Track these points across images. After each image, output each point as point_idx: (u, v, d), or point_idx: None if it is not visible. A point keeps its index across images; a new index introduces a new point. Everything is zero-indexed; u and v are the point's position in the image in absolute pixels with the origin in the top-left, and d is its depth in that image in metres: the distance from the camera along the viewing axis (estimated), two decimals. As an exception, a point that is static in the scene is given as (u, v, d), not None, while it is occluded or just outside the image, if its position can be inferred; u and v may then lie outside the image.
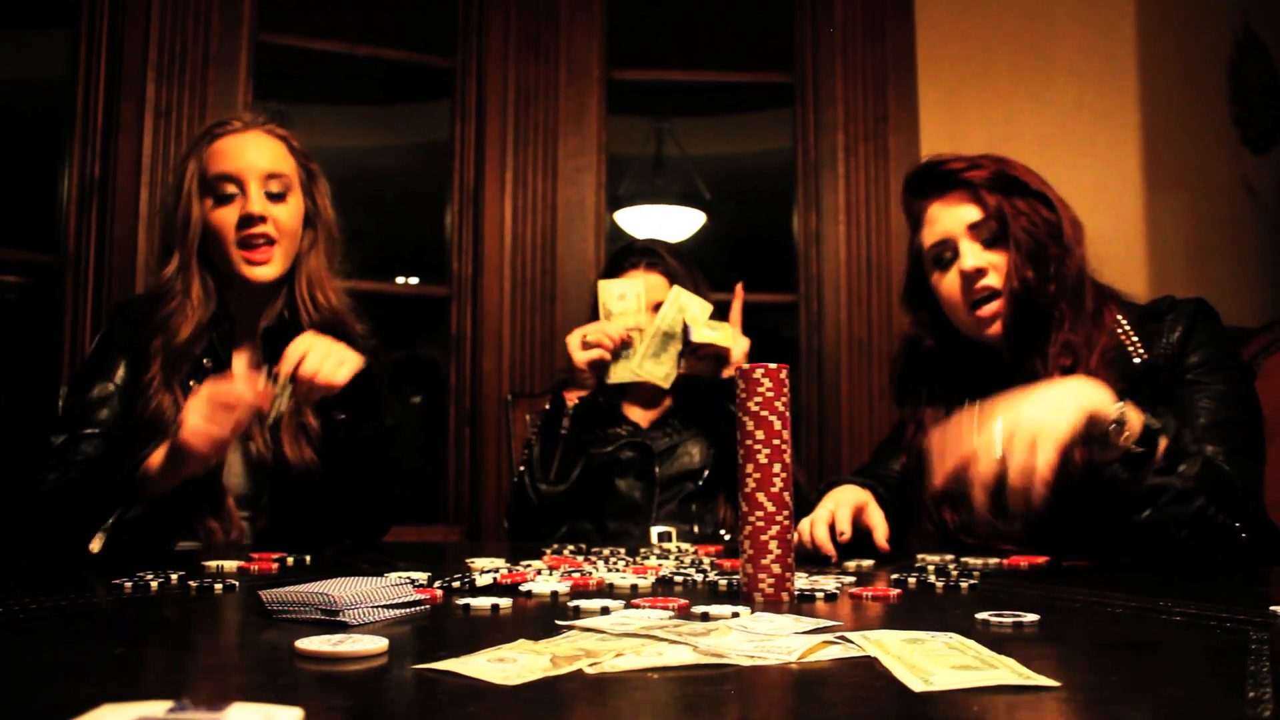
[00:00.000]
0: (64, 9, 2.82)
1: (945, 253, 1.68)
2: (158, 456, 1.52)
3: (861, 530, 1.61)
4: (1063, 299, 1.60)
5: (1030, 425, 1.25)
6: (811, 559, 1.51)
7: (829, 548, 1.51)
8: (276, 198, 1.75)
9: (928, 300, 1.75)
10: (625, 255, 2.35)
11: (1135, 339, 1.62)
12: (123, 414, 1.69)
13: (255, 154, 1.75)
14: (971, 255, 1.64)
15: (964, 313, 1.67)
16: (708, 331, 2.05)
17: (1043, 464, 1.22)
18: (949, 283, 1.68)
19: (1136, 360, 1.60)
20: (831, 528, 1.55)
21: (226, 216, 1.73)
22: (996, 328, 1.64)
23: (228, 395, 1.45)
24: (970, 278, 1.63)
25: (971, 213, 1.64)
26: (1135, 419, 1.31)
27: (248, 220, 1.72)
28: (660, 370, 2.08)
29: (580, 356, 2.06)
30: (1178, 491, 1.31)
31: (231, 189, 1.73)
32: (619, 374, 2.08)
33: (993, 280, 1.63)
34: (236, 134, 1.77)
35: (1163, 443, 1.31)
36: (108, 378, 1.71)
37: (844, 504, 1.60)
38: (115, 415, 1.68)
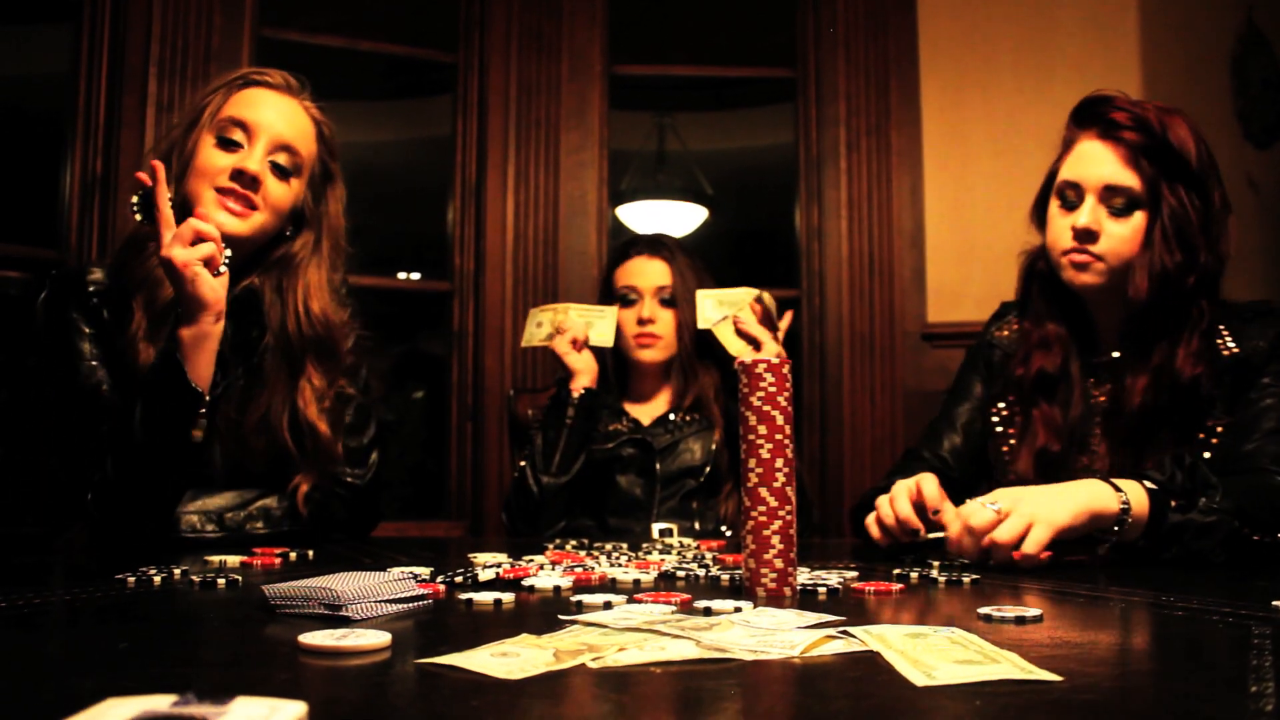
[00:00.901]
0: (66, 5, 2.81)
1: (1070, 193, 1.62)
2: (186, 335, 1.45)
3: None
4: (1203, 294, 1.56)
5: (1031, 508, 1.28)
6: (886, 543, 1.50)
7: (916, 521, 1.44)
8: (279, 171, 1.64)
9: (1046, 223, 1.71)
10: (631, 243, 2.40)
11: (1225, 333, 1.60)
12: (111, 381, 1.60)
13: (278, 116, 1.64)
14: (1090, 216, 1.59)
15: (1059, 256, 1.64)
16: (728, 334, 2.09)
17: (1032, 544, 1.26)
18: (1060, 225, 1.63)
19: (1225, 354, 1.58)
20: (919, 506, 1.47)
21: (219, 159, 1.60)
22: (1085, 279, 1.61)
23: (200, 226, 1.43)
24: (1080, 235, 1.60)
25: (1118, 174, 1.57)
26: (1140, 500, 1.32)
27: (240, 175, 1.59)
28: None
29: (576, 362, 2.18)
30: (1199, 526, 1.32)
31: (238, 136, 1.61)
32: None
33: (1101, 247, 1.59)
34: (272, 90, 1.66)
35: (1173, 505, 1.32)
36: (83, 356, 1.60)
37: (927, 478, 1.49)
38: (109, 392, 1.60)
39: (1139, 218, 1.58)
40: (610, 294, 2.38)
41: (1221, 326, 1.60)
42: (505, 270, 3.12)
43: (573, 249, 3.17)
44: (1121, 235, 1.58)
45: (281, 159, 1.64)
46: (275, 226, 1.67)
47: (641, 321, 2.32)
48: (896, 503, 1.47)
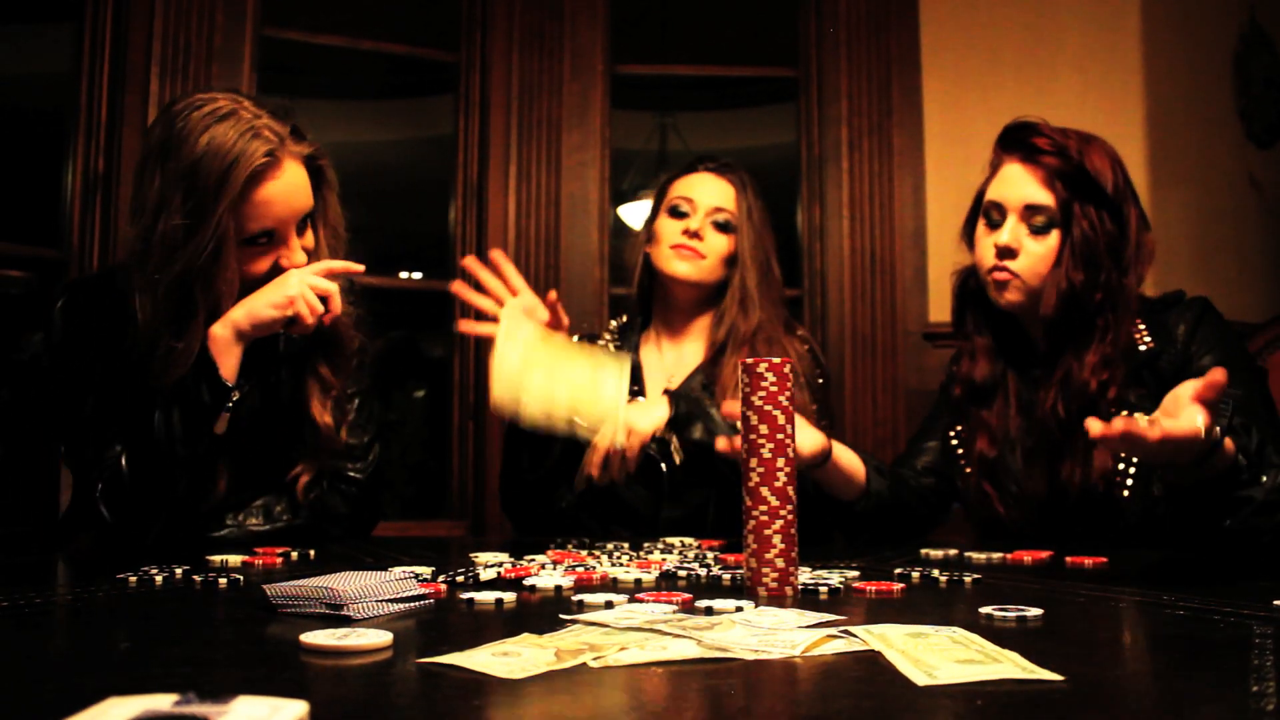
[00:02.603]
0: (68, 4, 2.82)
1: (994, 213, 1.72)
2: (221, 334, 1.55)
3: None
4: (1109, 310, 1.64)
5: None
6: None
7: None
8: (300, 230, 1.65)
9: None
10: (699, 158, 2.12)
11: (1142, 327, 1.68)
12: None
13: (290, 198, 1.60)
14: (1010, 234, 1.67)
15: (984, 274, 1.73)
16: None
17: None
18: (984, 244, 1.72)
19: (1142, 348, 1.65)
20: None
21: (259, 265, 1.61)
22: (1007, 297, 1.69)
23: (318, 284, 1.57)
24: (1000, 252, 1.68)
25: (1036, 194, 1.66)
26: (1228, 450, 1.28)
27: (278, 268, 1.62)
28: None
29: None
30: (1259, 504, 1.31)
31: (265, 240, 1.60)
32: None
33: (1019, 265, 1.67)
34: (274, 175, 1.56)
35: (1228, 444, 1.26)
36: (87, 356, 1.63)
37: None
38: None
39: (1055, 237, 1.66)
40: (659, 208, 2.09)
41: (1139, 321, 1.68)
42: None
43: (574, 248, 3.17)
44: (1038, 253, 1.67)
45: (304, 225, 1.66)
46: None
47: (688, 234, 2.01)
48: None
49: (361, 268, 1.65)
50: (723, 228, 2.02)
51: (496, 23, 3.19)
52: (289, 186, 1.59)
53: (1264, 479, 1.32)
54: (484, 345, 3.11)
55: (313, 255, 1.70)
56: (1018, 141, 1.70)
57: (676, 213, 2.04)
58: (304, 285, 1.57)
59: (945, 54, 3.25)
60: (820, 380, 2.06)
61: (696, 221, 2.01)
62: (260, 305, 1.56)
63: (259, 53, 2.96)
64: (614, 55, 3.27)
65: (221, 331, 1.55)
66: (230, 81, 2.89)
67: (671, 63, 3.69)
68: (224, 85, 2.84)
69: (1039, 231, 1.66)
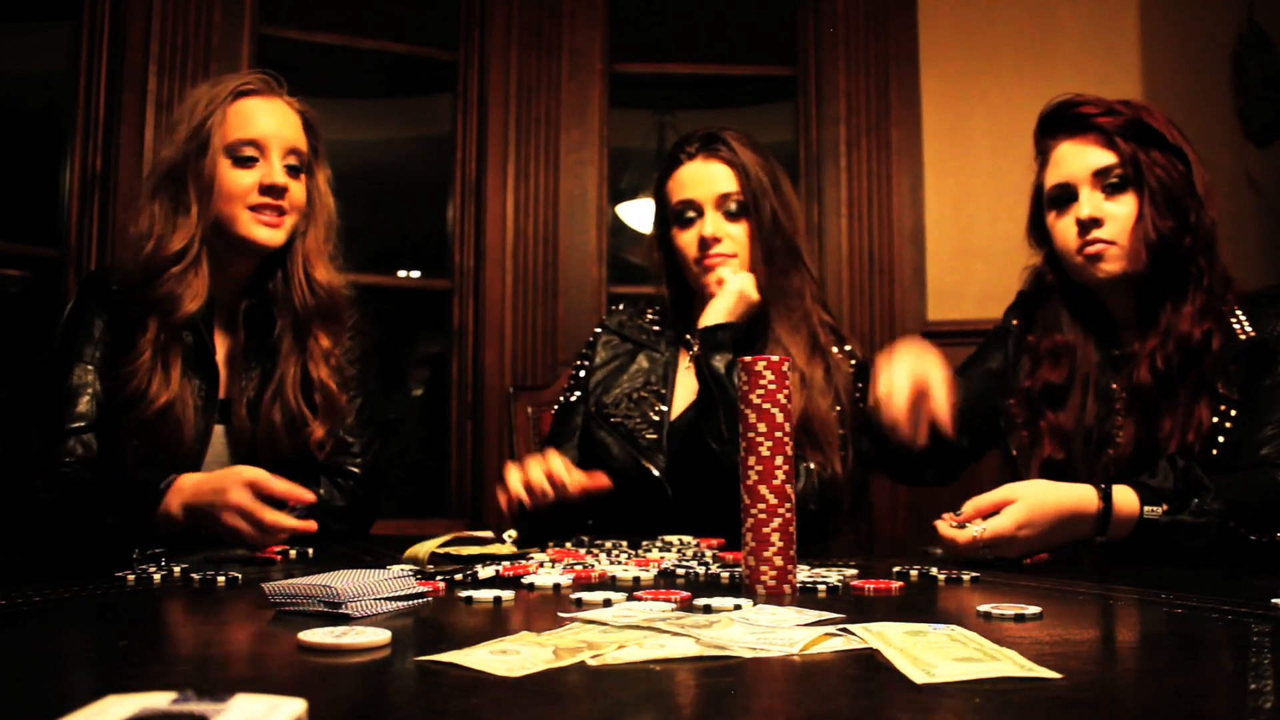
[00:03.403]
0: (66, 3, 2.81)
1: (1063, 196, 1.64)
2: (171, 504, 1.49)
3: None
4: (1200, 253, 1.58)
5: (1010, 541, 1.31)
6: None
7: (903, 419, 1.48)
8: (292, 172, 1.73)
9: (1049, 236, 1.71)
10: (681, 144, 1.91)
11: (1241, 315, 1.61)
12: (105, 396, 1.66)
13: (280, 124, 1.72)
14: (1089, 204, 1.60)
15: (1074, 256, 1.64)
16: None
17: (1017, 551, 1.31)
18: (1064, 226, 1.64)
19: (1241, 337, 1.58)
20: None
21: (243, 178, 1.68)
22: (1104, 268, 1.61)
23: (271, 524, 1.38)
24: (1085, 225, 1.61)
25: (1100, 157, 1.61)
26: (1129, 502, 1.34)
27: (270, 189, 1.68)
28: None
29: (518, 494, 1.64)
30: (1189, 527, 1.33)
31: (251, 152, 1.69)
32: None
33: (1109, 231, 1.60)
34: (262, 97, 1.73)
35: (1163, 509, 1.34)
36: (83, 359, 1.68)
37: (900, 374, 1.51)
38: (97, 401, 1.66)
39: (1132, 194, 1.60)
40: (665, 216, 1.92)
41: (1238, 309, 1.61)
42: (505, 268, 3.12)
43: (573, 247, 3.17)
44: (1125, 213, 1.60)
45: (292, 160, 1.73)
46: (301, 223, 1.77)
47: (705, 242, 1.84)
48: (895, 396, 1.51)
49: (311, 497, 1.47)
50: (737, 214, 1.85)
51: (495, 21, 3.19)
52: (276, 110, 1.74)
53: (1193, 503, 1.34)
54: (482, 345, 3.12)
55: (304, 231, 1.76)
56: (1062, 120, 1.65)
57: (684, 220, 1.87)
58: (236, 514, 1.41)
59: (944, 53, 3.25)
60: (857, 395, 1.90)
61: (710, 225, 1.83)
62: (203, 507, 1.45)
63: (257, 51, 2.96)
64: (613, 54, 3.27)
65: (173, 501, 1.48)
66: (228, 80, 2.89)
67: (670, 61, 3.69)
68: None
69: (1115, 191, 1.60)
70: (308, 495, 1.45)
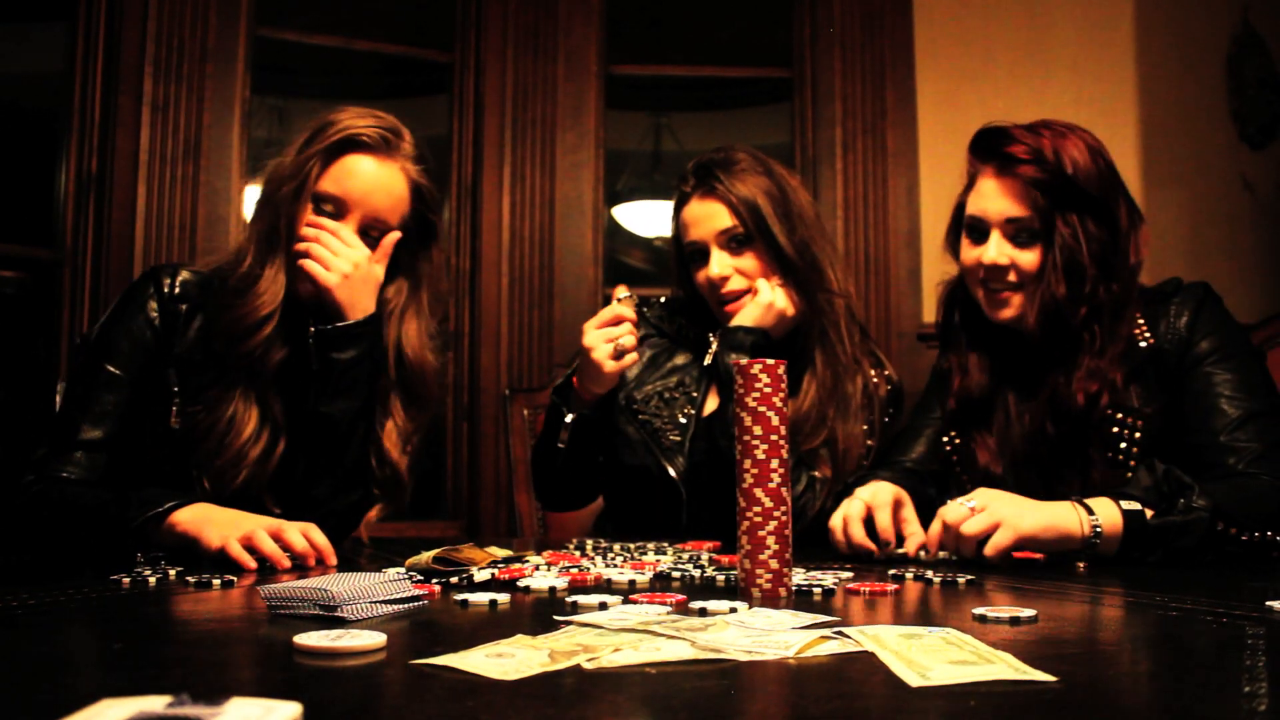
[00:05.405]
0: (61, 3, 2.81)
1: (977, 228, 1.64)
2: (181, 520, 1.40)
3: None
4: (1095, 322, 1.58)
5: (1000, 511, 1.32)
6: (850, 555, 1.49)
7: (870, 544, 1.47)
8: (369, 240, 1.62)
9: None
10: (682, 180, 1.92)
11: (1141, 322, 1.62)
12: (129, 405, 1.57)
13: (373, 188, 1.60)
14: (995, 248, 1.61)
15: (976, 288, 1.67)
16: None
17: (993, 547, 1.31)
18: (971, 258, 1.65)
19: (1142, 345, 1.60)
20: (870, 523, 1.50)
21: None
22: (1004, 314, 1.63)
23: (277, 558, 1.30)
24: (989, 271, 1.62)
25: (1015, 208, 1.59)
26: (1112, 519, 1.34)
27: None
28: None
29: (611, 366, 1.74)
30: (1178, 526, 1.33)
31: (330, 209, 1.60)
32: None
33: (1012, 277, 1.61)
34: (372, 156, 1.60)
35: (1149, 514, 1.35)
36: (116, 360, 1.57)
37: (882, 504, 1.52)
38: (118, 415, 1.56)
39: (1040, 251, 1.60)
40: (682, 257, 1.93)
41: (1138, 315, 1.62)
42: (501, 270, 3.12)
43: (569, 249, 3.17)
44: (1030, 265, 1.60)
45: (374, 231, 1.62)
46: (395, 298, 1.69)
47: (713, 284, 1.84)
48: (850, 527, 1.49)
49: (334, 561, 1.35)
50: (740, 246, 1.84)
51: (491, 23, 3.19)
52: (380, 175, 1.61)
53: (1179, 503, 1.34)
54: (478, 348, 3.12)
55: (404, 311, 1.68)
56: (992, 150, 1.62)
57: (696, 260, 1.88)
58: (237, 541, 1.33)
59: (939, 55, 3.26)
60: (887, 420, 1.91)
61: (715, 265, 1.82)
62: (212, 534, 1.36)
63: (253, 53, 2.96)
64: (609, 56, 3.27)
65: (187, 517, 1.40)
66: (224, 82, 2.89)
67: (666, 63, 3.69)
68: (217, 86, 2.85)
69: (1025, 245, 1.59)
70: (331, 558, 1.34)
